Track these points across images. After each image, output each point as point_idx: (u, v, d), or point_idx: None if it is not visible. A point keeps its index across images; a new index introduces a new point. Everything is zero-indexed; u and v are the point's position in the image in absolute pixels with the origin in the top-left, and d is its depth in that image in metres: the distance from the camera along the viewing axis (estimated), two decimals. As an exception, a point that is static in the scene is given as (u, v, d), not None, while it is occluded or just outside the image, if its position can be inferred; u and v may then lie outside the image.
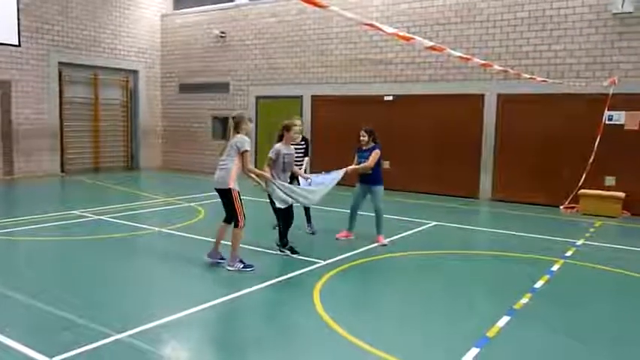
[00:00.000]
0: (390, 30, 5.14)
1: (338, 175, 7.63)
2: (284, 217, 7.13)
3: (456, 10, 13.18)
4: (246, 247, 6.89)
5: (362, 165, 7.80)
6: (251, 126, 6.67)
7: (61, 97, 16.31)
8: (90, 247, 7.58)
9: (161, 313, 4.83)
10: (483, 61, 7.87)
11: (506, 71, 8.86)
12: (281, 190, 6.86)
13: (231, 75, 17.35)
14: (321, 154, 13.79)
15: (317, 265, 6.66)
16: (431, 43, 5.28)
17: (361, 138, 7.88)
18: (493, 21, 12.75)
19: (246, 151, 6.34)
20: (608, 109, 11.42)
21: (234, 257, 6.44)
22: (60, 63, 16.20)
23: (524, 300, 5.57)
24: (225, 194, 6.44)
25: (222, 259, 6.62)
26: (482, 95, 13.00)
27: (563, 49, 11.98)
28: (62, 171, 16.39)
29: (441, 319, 5.09)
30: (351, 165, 7.94)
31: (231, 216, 6.52)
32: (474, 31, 12.97)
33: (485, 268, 7.21)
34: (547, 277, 6.48)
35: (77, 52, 16.56)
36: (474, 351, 4.26)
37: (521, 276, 6.53)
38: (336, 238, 8.13)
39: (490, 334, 4.63)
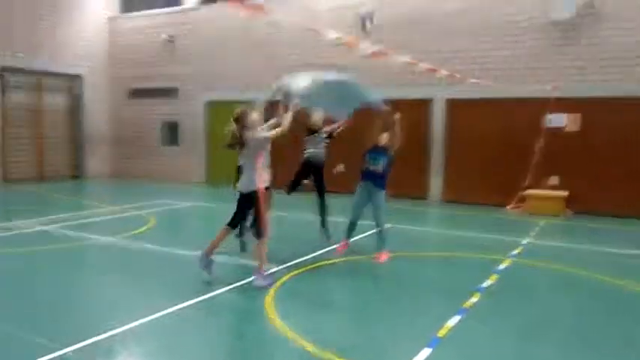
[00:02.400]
0: (334, 35, 5.17)
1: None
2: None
3: (406, 14, 13.41)
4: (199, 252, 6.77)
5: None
6: (256, 115, 6.04)
7: (2, 103, 15.64)
8: (32, 259, 7.28)
9: (110, 325, 4.69)
10: (429, 66, 7.98)
11: (452, 76, 9.06)
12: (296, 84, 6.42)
13: (180, 80, 17.09)
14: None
15: (271, 271, 6.61)
16: (373, 49, 5.29)
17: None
18: (443, 27, 13.04)
19: (267, 138, 5.98)
20: (551, 113, 11.87)
21: (262, 272, 6.04)
22: (1, 68, 15.55)
23: (474, 299, 5.69)
24: (249, 198, 6.01)
25: (207, 266, 6.25)
26: (431, 100, 13.27)
27: (509, 55, 12.37)
28: (4, 180, 15.71)
29: (393, 320, 5.14)
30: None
31: (253, 224, 6.23)
32: (422, 35, 13.23)
33: (436, 268, 7.35)
34: (495, 275, 6.65)
35: (19, 57, 15.94)
36: (426, 351, 4.32)
37: (470, 275, 6.67)
38: (336, 251, 7.68)
39: (441, 333, 4.71)
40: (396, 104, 13.45)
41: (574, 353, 4.48)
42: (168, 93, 17.34)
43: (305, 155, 8.13)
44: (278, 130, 6.09)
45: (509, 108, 12.31)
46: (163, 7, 17.45)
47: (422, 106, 13.33)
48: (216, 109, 16.38)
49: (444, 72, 8.82)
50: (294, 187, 8.23)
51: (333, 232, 8.19)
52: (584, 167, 11.66)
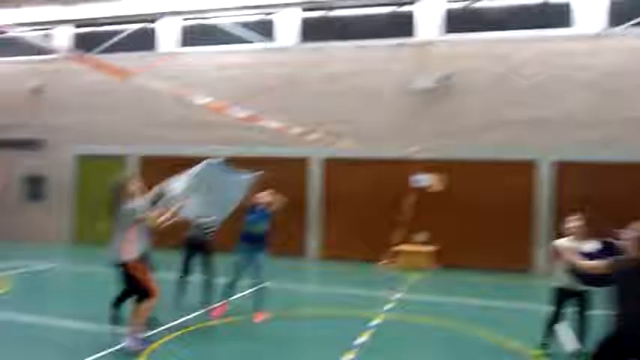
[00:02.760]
0: (202, 101, 5.22)
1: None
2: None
3: (283, 78, 13.94)
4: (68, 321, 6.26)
5: None
6: (135, 187, 5.83)
7: None
8: None
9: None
10: (300, 130, 8.26)
11: (322, 140, 9.52)
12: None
13: (48, 131, 16.08)
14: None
15: (145, 334, 6.25)
16: (244, 114, 5.37)
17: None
18: (315, 90, 13.70)
19: (140, 218, 5.71)
20: (417, 173, 12.77)
21: (136, 335, 5.69)
22: None
23: (349, 356, 5.81)
24: (121, 271, 5.73)
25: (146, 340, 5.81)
26: (308, 159, 13.72)
27: (376, 119, 13.25)
28: None
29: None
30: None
31: (137, 292, 5.79)
32: (298, 98, 13.78)
33: (312, 327, 7.40)
34: (369, 332, 6.86)
35: None
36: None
37: (345, 333, 6.80)
38: (212, 317, 7.37)
39: (315, 395, 4.74)
40: (276, 163, 13.81)
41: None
42: (33, 145, 16.21)
43: (186, 235, 7.86)
44: (150, 217, 5.85)
45: (381, 168, 13.08)
46: (33, 54, 16.51)
47: (301, 165, 13.72)
48: (87, 164, 15.57)
49: (314, 135, 9.12)
50: (185, 271, 7.81)
51: (212, 292, 7.98)
52: (450, 224, 12.59)
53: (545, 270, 11.81)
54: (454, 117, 12.81)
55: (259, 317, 7.27)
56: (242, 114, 5.30)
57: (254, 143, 13.97)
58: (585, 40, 12.16)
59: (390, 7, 13.70)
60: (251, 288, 7.55)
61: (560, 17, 12.48)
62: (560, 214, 11.74)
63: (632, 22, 12.02)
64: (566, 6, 12.45)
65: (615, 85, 11.90)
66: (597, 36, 12.12)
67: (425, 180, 12.78)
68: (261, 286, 7.35)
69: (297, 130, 8.35)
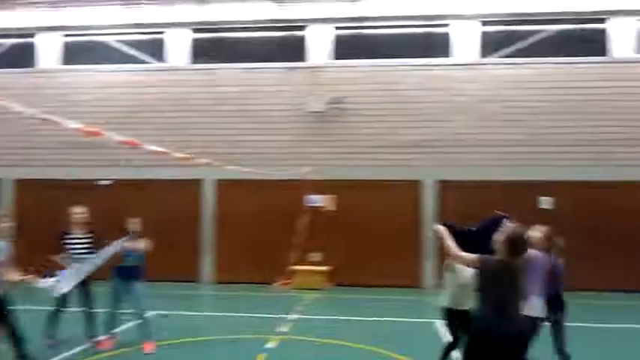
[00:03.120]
0: (73, 125, 4.90)
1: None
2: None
3: (170, 99, 13.58)
4: None
5: (135, 245, 6.89)
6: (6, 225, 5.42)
7: None
8: None
9: None
10: (182, 155, 8.04)
11: (208, 163, 9.37)
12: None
13: None
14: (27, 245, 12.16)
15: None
16: (120, 138, 5.06)
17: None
18: (206, 111, 13.49)
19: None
20: (310, 194, 12.93)
21: None
22: None
23: (242, 382, 5.65)
24: None
25: None
26: (201, 180, 13.41)
27: (269, 140, 13.28)
28: None
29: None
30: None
31: None
32: (188, 119, 13.48)
33: (205, 353, 7.13)
34: (262, 355, 6.73)
35: None
36: None
37: (240, 357, 6.63)
38: (100, 349, 6.85)
39: None
40: (166, 186, 13.35)
41: None
42: None
43: None
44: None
45: (274, 189, 13.06)
46: None
47: (193, 186, 13.37)
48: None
49: (205, 158, 8.90)
50: (62, 302, 7.11)
51: (94, 323, 7.43)
52: (343, 243, 12.82)
53: (432, 285, 12.40)
54: (345, 139, 13.17)
55: (148, 347, 6.88)
56: (120, 138, 4.96)
57: (142, 165, 13.41)
58: (462, 68, 13.08)
59: (281, 31, 13.89)
60: (135, 318, 7.14)
61: (440, 46, 13.35)
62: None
63: (501, 52, 13.15)
64: (446, 36, 13.35)
65: (489, 110, 12.87)
66: (472, 65, 13.08)
67: (318, 201, 12.96)
68: (144, 315, 7.00)
69: (187, 151, 8.08)
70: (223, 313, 9.83)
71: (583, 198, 12.39)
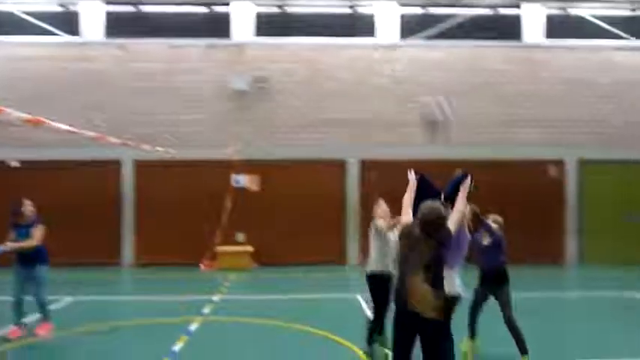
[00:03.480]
0: None
1: None
2: None
3: (84, 75, 12.93)
4: None
5: (25, 243, 6.62)
6: None
7: None
8: None
9: None
10: (94, 134, 7.72)
11: (125, 144, 9.05)
12: None
13: None
14: None
15: None
16: (24, 116, 4.68)
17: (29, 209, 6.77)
18: (123, 88, 12.97)
19: None
20: (235, 174, 12.82)
21: None
22: None
23: (164, 365, 5.61)
24: None
25: None
26: (120, 161, 12.94)
27: (192, 119, 13.00)
28: None
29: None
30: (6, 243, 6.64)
31: None
32: (104, 97, 12.93)
33: (127, 338, 6.99)
34: (186, 337, 6.69)
35: None
36: None
37: (160, 342, 6.53)
38: (10, 339, 6.53)
39: (127, 410, 4.48)
40: (82, 167, 12.80)
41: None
42: None
43: None
44: None
45: (197, 169, 12.85)
46: None
47: (110, 167, 12.88)
48: None
49: (113, 139, 8.56)
50: None
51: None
52: (268, 223, 12.85)
53: (357, 261, 12.77)
54: (270, 118, 13.12)
55: (42, 330, 6.76)
56: (23, 116, 4.59)
57: (57, 146, 12.76)
58: (383, 49, 13.33)
59: (203, 6, 13.54)
60: (37, 304, 6.87)
61: (363, 27, 13.52)
62: (367, 209, 12.76)
63: (419, 34, 13.50)
64: (369, 17, 13.53)
65: (409, 90, 13.23)
66: (392, 46, 13.35)
67: (243, 181, 12.90)
68: (43, 302, 6.82)
69: (103, 130, 7.76)
70: (146, 297, 9.64)
71: (493, 176, 13.07)
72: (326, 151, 13.09)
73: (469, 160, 12.93)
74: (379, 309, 5.61)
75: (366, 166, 13.16)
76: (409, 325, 3.73)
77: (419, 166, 13.66)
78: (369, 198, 12.38)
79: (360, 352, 5.93)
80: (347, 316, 7.93)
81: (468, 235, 5.16)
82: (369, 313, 5.64)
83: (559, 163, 13.31)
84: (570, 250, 13.29)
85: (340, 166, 13.19)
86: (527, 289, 9.86)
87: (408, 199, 4.21)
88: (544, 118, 13.28)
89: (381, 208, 5.83)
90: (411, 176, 4.42)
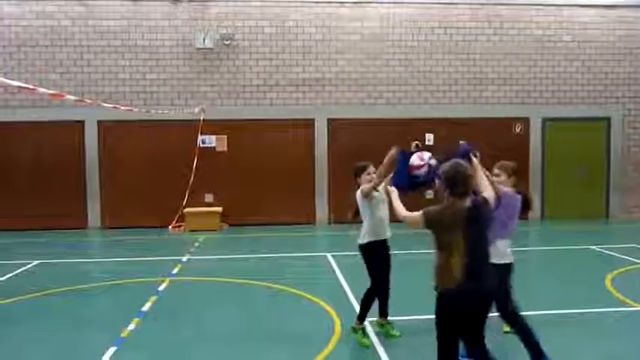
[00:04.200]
0: None
1: None
2: None
3: (44, 33, 12.42)
4: None
5: None
6: None
7: None
8: None
9: None
10: (51, 92, 7.47)
11: (83, 101, 8.78)
12: None
13: None
14: None
15: None
16: None
17: None
18: (83, 46, 12.53)
19: None
20: (201, 134, 12.66)
21: None
22: None
23: (132, 326, 5.62)
24: None
25: None
26: (83, 122, 12.61)
27: (156, 78, 12.69)
28: None
29: (42, 367, 4.67)
30: None
31: None
32: (67, 55, 12.49)
33: (92, 301, 6.95)
34: (154, 297, 6.71)
35: None
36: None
37: (129, 302, 6.55)
38: None
39: (95, 370, 4.51)
40: (43, 128, 12.47)
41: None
42: None
43: None
44: None
45: (163, 130, 12.63)
46: None
47: (74, 128, 12.56)
48: None
49: (71, 97, 8.28)
50: None
51: None
52: (235, 183, 12.80)
53: (325, 221, 12.90)
54: (236, 77, 12.87)
55: None
56: None
57: (15, 107, 12.38)
58: (350, 5, 13.10)
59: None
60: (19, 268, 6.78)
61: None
62: (333, 168, 12.82)
63: (390, -9, 13.31)
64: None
65: (375, 49, 13.12)
66: (359, 3, 13.13)
67: (210, 141, 12.75)
68: None
69: (64, 91, 7.50)
70: (114, 259, 9.58)
71: (457, 133, 13.22)
72: (294, 111, 12.99)
73: (437, 118, 13.12)
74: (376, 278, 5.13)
75: (334, 125, 13.12)
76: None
77: (386, 124, 13.80)
78: (335, 158, 12.53)
79: (327, 306, 6.06)
80: (316, 274, 8.05)
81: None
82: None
83: (524, 121, 13.51)
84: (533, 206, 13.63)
85: (308, 125, 13.12)
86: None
87: (400, 205, 3.86)
88: (510, 77, 13.40)
89: (371, 175, 5.08)
90: (391, 189, 4.11)
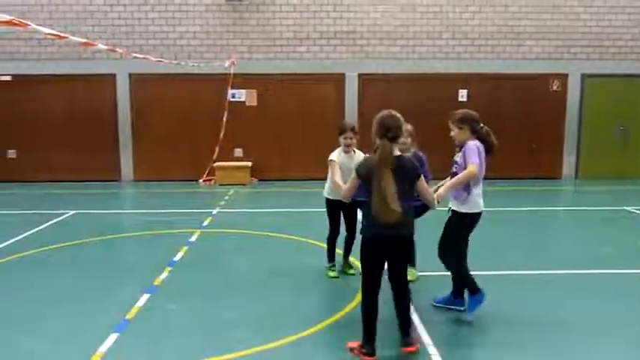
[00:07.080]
0: None
1: None
2: None
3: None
4: None
5: None
6: None
7: None
8: None
9: None
10: (83, 40, 7.41)
11: (114, 51, 8.74)
12: None
13: None
14: None
15: None
16: (8, 17, 4.41)
17: None
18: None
19: None
20: (231, 88, 12.61)
21: None
22: None
23: (164, 275, 5.77)
24: None
25: None
26: (114, 75, 12.68)
27: (186, 31, 12.59)
28: None
29: (77, 312, 4.79)
30: None
31: None
32: (98, 7, 12.45)
33: (126, 251, 7.17)
34: (186, 248, 6.86)
35: None
36: (113, 337, 4.21)
37: (161, 252, 6.70)
38: None
39: (129, 316, 4.64)
40: (76, 80, 12.58)
41: (254, 310, 4.94)
42: None
43: None
44: None
45: (194, 83, 12.62)
46: None
47: (106, 81, 12.65)
48: None
49: (101, 46, 8.25)
50: None
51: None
52: (265, 138, 12.80)
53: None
54: (266, 30, 12.68)
55: None
56: (4, 16, 4.32)
57: (46, 59, 12.50)
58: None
59: None
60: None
61: None
62: (363, 123, 12.63)
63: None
64: None
65: (409, 1, 12.70)
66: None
67: (239, 95, 12.71)
68: None
69: (74, 39, 7.44)
70: (145, 210, 9.77)
71: (492, 89, 12.87)
72: (324, 65, 12.78)
73: (471, 73, 12.75)
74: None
75: (364, 80, 12.89)
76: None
77: (418, 80, 13.45)
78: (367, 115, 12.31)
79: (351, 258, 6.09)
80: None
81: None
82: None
83: (562, 77, 13.03)
84: (567, 165, 13.31)
85: (339, 80, 12.92)
86: (510, 204, 10.05)
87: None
88: (550, 31, 12.86)
89: (347, 140, 5.35)
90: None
